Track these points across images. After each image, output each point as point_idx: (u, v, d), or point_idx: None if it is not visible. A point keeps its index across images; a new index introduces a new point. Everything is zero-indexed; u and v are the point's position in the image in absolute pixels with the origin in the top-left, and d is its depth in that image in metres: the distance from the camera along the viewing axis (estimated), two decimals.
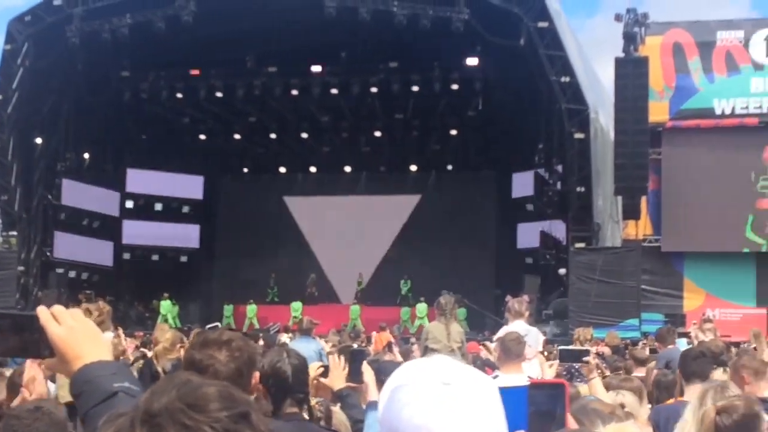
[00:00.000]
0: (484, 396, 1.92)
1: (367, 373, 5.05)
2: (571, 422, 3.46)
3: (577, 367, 7.19)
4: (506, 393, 2.06)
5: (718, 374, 7.58)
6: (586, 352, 6.80)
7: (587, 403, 4.36)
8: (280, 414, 4.68)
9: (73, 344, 2.44)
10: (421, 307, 37.26)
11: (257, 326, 38.90)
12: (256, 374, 4.24)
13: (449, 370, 1.94)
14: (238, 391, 1.71)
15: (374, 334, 26.93)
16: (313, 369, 5.23)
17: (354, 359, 5.20)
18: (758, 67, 33.10)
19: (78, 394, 2.41)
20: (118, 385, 2.38)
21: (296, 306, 39.44)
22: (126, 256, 44.47)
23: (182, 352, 8.10)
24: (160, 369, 9.18)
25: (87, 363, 2.42)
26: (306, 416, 4.87)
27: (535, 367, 9.45)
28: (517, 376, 8.00)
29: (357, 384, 5.17)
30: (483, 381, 1.96)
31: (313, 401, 5.30)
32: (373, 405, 5.01)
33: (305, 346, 13.32)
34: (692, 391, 7.02)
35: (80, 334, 2.45)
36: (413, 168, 46.31)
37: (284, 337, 23.08)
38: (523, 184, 40.01)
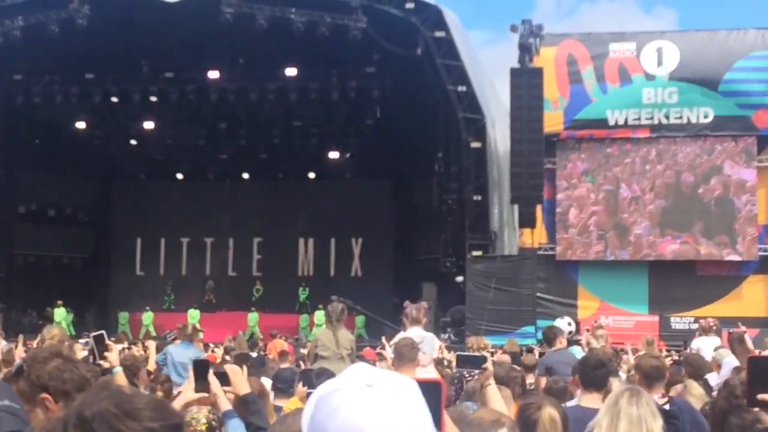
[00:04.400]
0: (407, 394, 1.98)
1: (214, 382, 4.93)
2: (450, 423, 3.49)
3: (475, 373, 7.08)
4: None
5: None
6: (484, 359, 6.75)
7: (469, 414, 4.36)
8: None
9: None
10: (320, 315, 37.13)
11: (154, 334, 38.52)
12: None
13: (370, 373, 2.00)
14: (169, 404, 1.72)
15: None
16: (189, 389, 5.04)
17: (198, 370, 4.97)
18: (650, 77, 33.68)
19: None
20: None
21: (193, 313, 39.08)
22: (18, 262, 43.45)
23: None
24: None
25: None
26: None
27: (431, 374, 9.53)
28: None
29: (205, 394, 4.99)
30: (403, 381, 2.02)
31: (204, 411, 5.21)
32: (228, 414, 4.93)
33: (182, 352, 13.21)
34: (591, 400, 7.15)
35: None
36: (311, 176, 46.19)
37: None
38: (422, 192, 40.21)
